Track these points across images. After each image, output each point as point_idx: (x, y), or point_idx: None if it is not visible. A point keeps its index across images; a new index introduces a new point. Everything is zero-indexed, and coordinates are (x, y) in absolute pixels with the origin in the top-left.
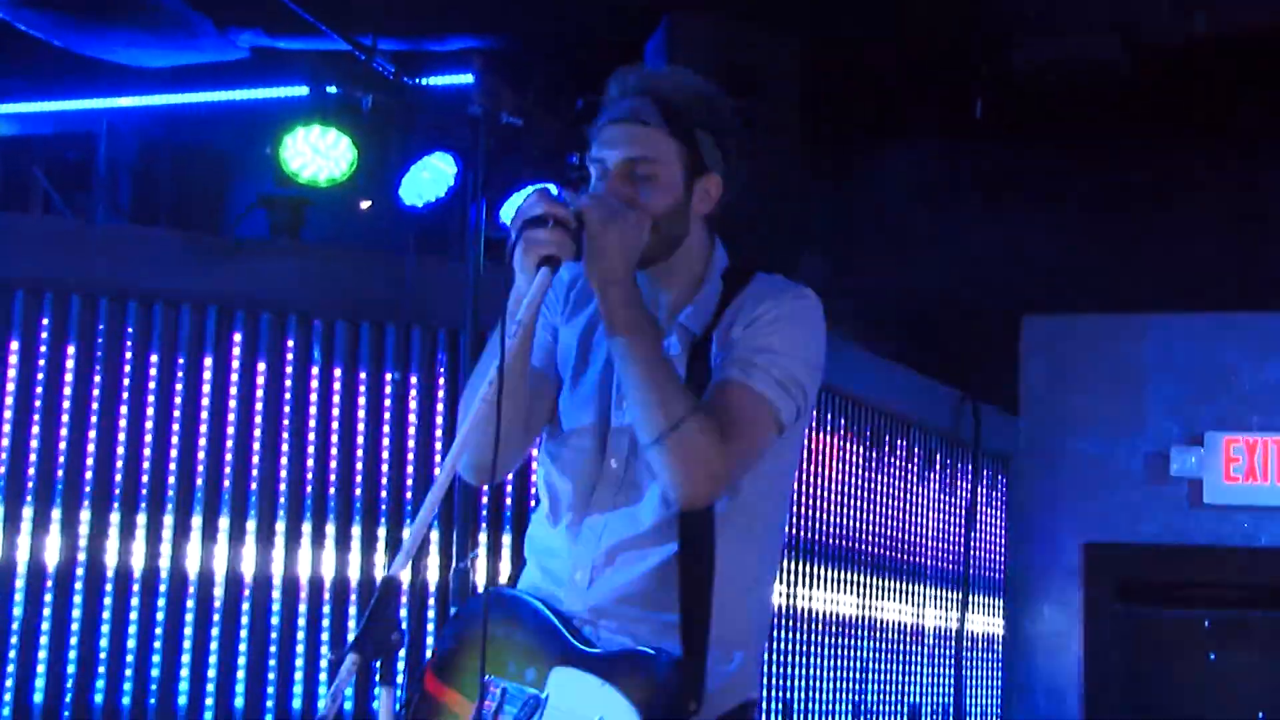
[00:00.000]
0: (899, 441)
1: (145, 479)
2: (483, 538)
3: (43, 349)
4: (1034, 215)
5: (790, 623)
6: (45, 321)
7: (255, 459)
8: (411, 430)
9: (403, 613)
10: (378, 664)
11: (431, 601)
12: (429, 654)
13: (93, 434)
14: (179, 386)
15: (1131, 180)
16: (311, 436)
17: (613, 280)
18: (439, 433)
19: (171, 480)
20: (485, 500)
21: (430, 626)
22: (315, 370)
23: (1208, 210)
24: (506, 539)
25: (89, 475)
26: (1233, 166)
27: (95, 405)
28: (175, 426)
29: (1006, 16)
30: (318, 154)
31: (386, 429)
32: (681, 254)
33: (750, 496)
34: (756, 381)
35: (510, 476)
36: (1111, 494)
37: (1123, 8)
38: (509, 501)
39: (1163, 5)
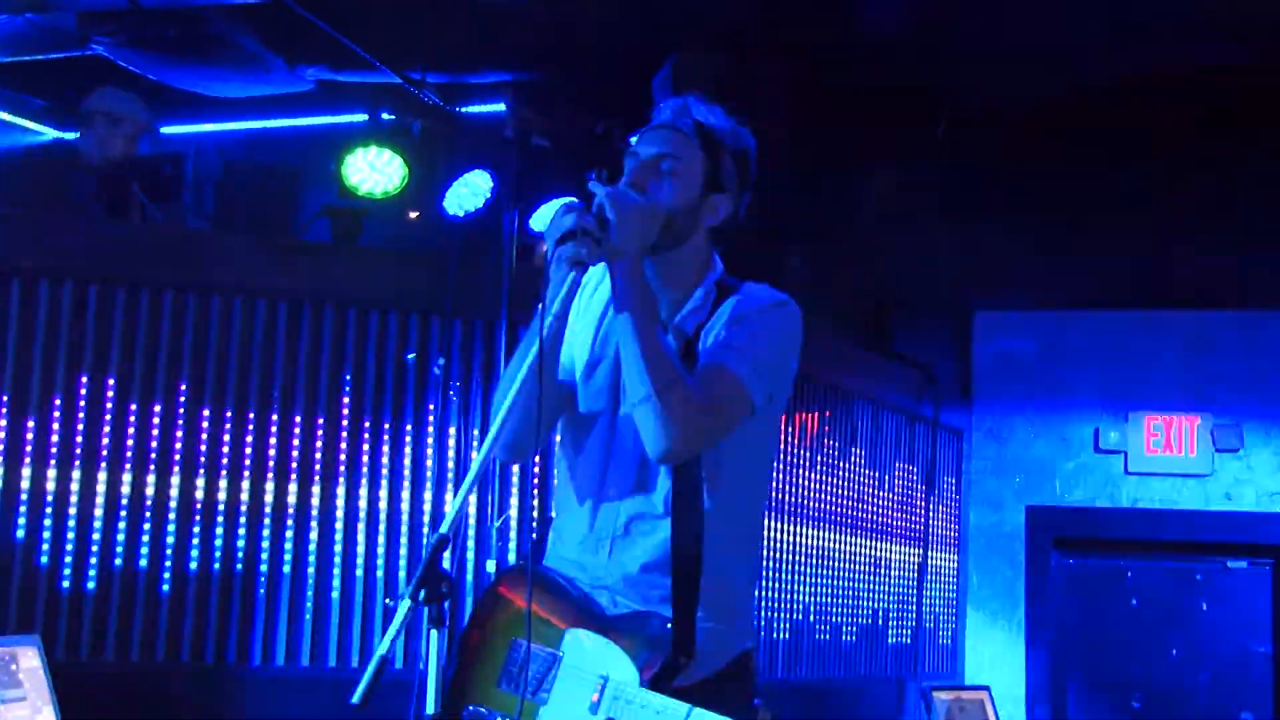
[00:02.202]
0: (867, 418)
1: (225, 449)
2: (513, 501)
3: (140, 338)
4: (986, 225)
5: (772, 575)
6: (143, 315)
7: (319, 431)
8: (453, 408)
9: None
10: (428, 608)
11: (470, 556)
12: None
13: (181, 410)
14: (256, 368)
15: (1069, 196)
16: (368, 412)
17: (623, 261)
18: (476, 411)
19: (248, 450)
20: (516, 470)
21: (469, 578)
22: (371, 357)
23: (1131, 223)
24: (536, 503)
25: (178, 445)
26: (1155, 185)
27: (184, 385)
28: (252, 400)
29: (961, 56)
30: (374, 170)
31: (432, 406)
32: (684, 260)
33: (732, 474)
34: (734, 364)
35: None
36: (1050, 464)
37: (1062, 47)
38: (535, 469)
39: (1096, 47)
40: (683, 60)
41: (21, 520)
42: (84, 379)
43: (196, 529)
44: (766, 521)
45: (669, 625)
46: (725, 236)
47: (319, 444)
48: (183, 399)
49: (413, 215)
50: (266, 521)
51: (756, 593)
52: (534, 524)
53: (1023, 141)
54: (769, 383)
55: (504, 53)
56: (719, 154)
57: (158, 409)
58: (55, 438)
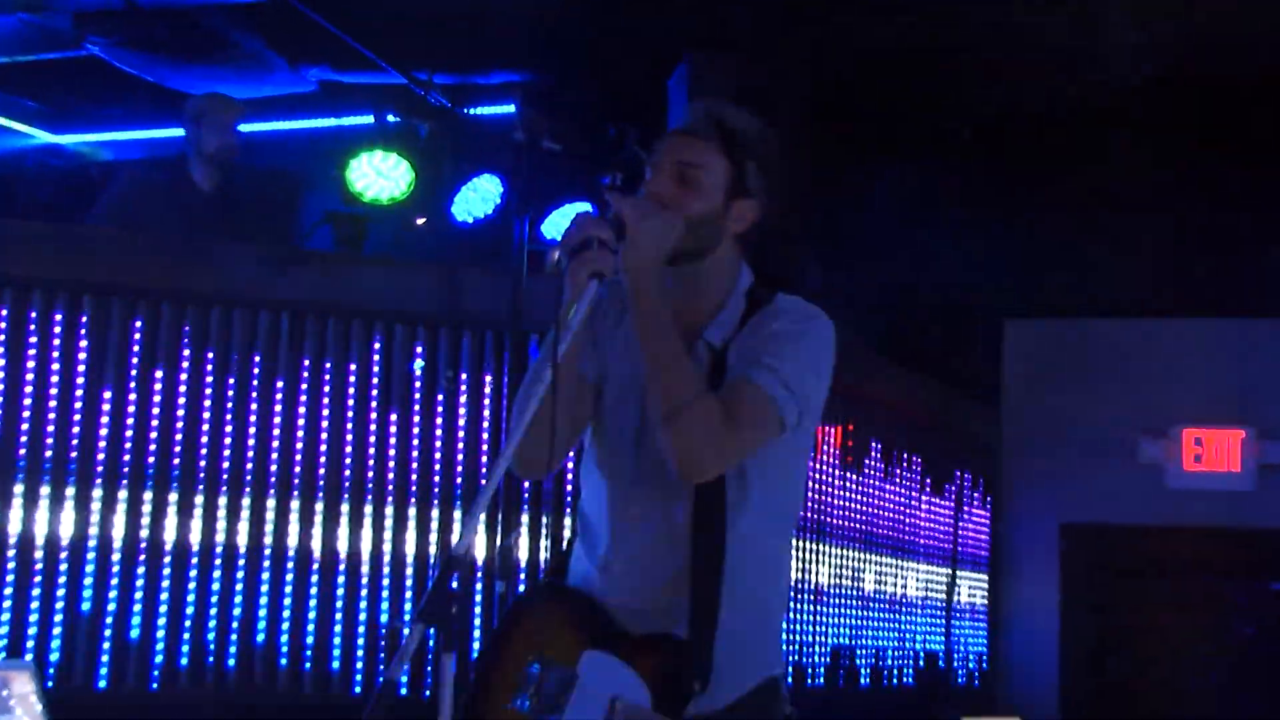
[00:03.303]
0: (892, 432)
1: (226, 465)
2: (525, 518)
3: (135, 348)
4: (1014, 228)
5: (799, 595)
6: (139, 324)
7: (323, 446)
8: (462, 422)
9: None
10: (435, 631)
11: (479, 574)
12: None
13: (180, 424)
14: (256, 383)
15: (1102, 197)
16: (373, 427)
17: (643, 271)
18: (486, 424)
19: (249, 465)
20: (527, 484)
21: (478, 598)
22: (376, 369)
23: (1170, 225)
24: (546, 520)
25: (176, 462)
26: (1195, 185)
27: (182, 400)
28: (252, 418)
29: (986, 52)
30: (379, 175)
31: (439, 420)
32: (710, 270)
33: (760, 496)
34: (763, 380)
35: None
36: (1086, 479)
37: (1093, 41)
38: (549, 488)
39: (1129, 41)
40: (698, 60)
41: (13, 541)
42: (79, 393)
43: (196, 550)
44: (797, 542)
45: (684, 649)
46: (752, 243)
47: (323, 458)
48: (181, 412)
49: (419, 222)
50: (268, 542)
51: (785, 616)
52: (551, 543)
53: (1052, 140)
54: (800, 401)
55: (514, 52)
56: (743, 158)
57: (155, 424)
58: (49, 453)
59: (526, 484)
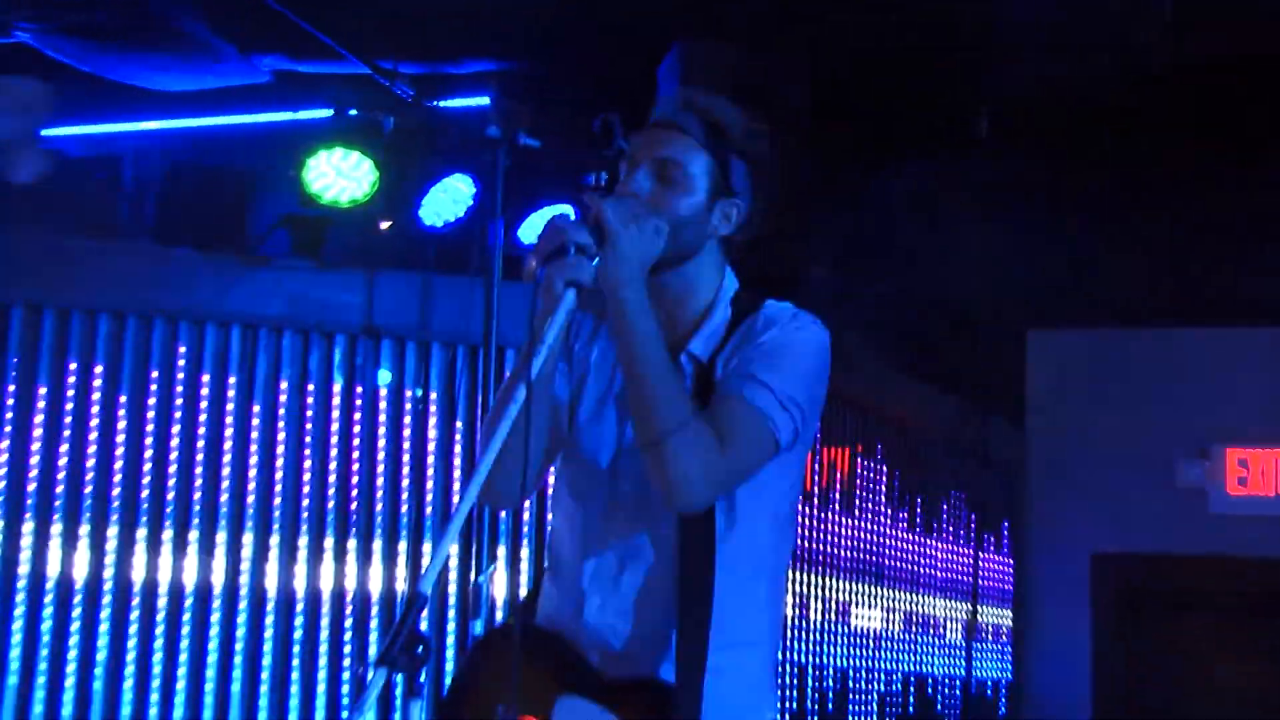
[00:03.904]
0: (904, 452)
1: (170, 495)
2: (501, 551)
3: (72, 366)
4: (1039, 230)
5: (796, 634)
6: (72, 341)
7: (278, 475)
8: (431, 446)
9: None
10: (401, 678)
11: (451, 614)
12: (449, 680)
13: (120, 451)
14: (203, 404)
15: (1134, 194)
16: (333, 453)
17: (625, 282)
18: (458, 448)
19: (197, 496)
20: (504, 516)
21: (449, 640)
22: (337, 387)
23: (1211, 225)
24: (525, 552)
25: (115, 492)
26: (1234, 183)
27: (122, 424)
28: (200, 444)
29: (1005, 39)
30: (340, 175)
31: (407, 445)
32: (694, 277)
33: (749, 522)
34: (755, 398)
35: None
36: (1120, 504)
37: (1123, 25)
38: (526, 515)
39: (1162, 24)
40: (691, 47)
41: None
42: (7, 414)
43: (137, 589)
44: (792, 574)
45: (670, 693)
46: (740, 246)
47: (278, 486)
48: (120, 436)
49: (384, 226)
50: (217, 580)
51: (779, 655)
52: (522, 577)
53: (1079, 135)
54: (795, 417)
55: (488, 39)
56: (727, 153)
57: (92, 450)
58: None
59: (503, 515)
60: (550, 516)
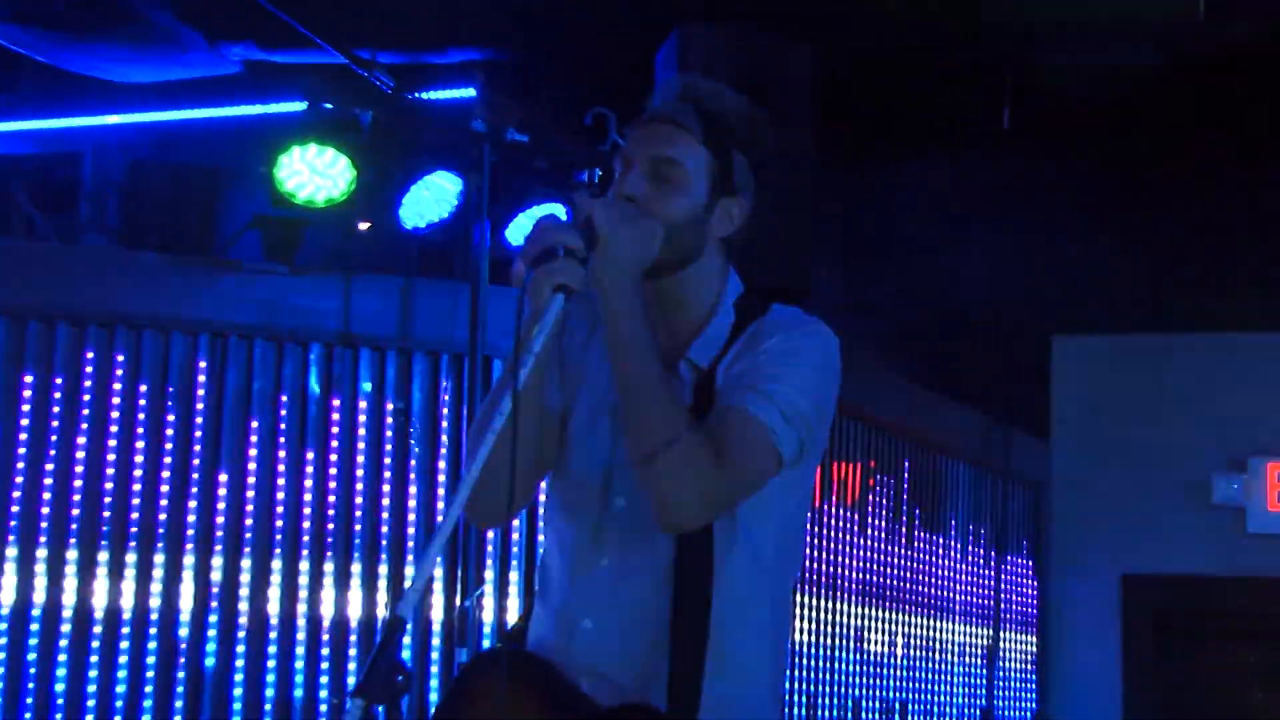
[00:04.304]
0: (921, 468)
1: (134, 516)
2: (489, 574)
3: (28, 379)
4: (1063, 227)
5: (805, 662)
6: (29, 351)
7: (249, 494)
8: (414, 462)
9: (405, 654)
10: (381, 709)
11: (436, 642)
12: (434, 711)
13: (80, 469)
14: (170, 417)
15: (1167, 191)
16: (309, 470)
17: (617, 288)
18: (442, 464)
19: (162, 517)
20: (491, 536)
21: (434, 669)
22: (312, 400)
23: (1250, 224)
24: (514, 575)
25: (75, 513)
26: (1273, 177)
27: (82, 440)
28: (167, 460)
29: (1031, 22)
30: (315, 173)
31: (388, 460)
32: (693, 281)
33: (752, 541)
34: (757, 409)
35: None
36: (1151, 522)
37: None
38: (516, 536)
39: (1197, 12)
40: (690, 34)
41: None
42: None
43: (99, 615)
44: (797, 597)
45: None
46: (740, 246)
47: (249, 505)
48: (81, 453)
49: (363, 227)
50: (185, 605)
51: (783, 684)
52: (511, 601)
53: (1106, 128)
54: (801, 431)
55: (473, 26)
56: (728, 147)
57: (50, 467)
58: None
59: (490, 534)
60: (541, 536)
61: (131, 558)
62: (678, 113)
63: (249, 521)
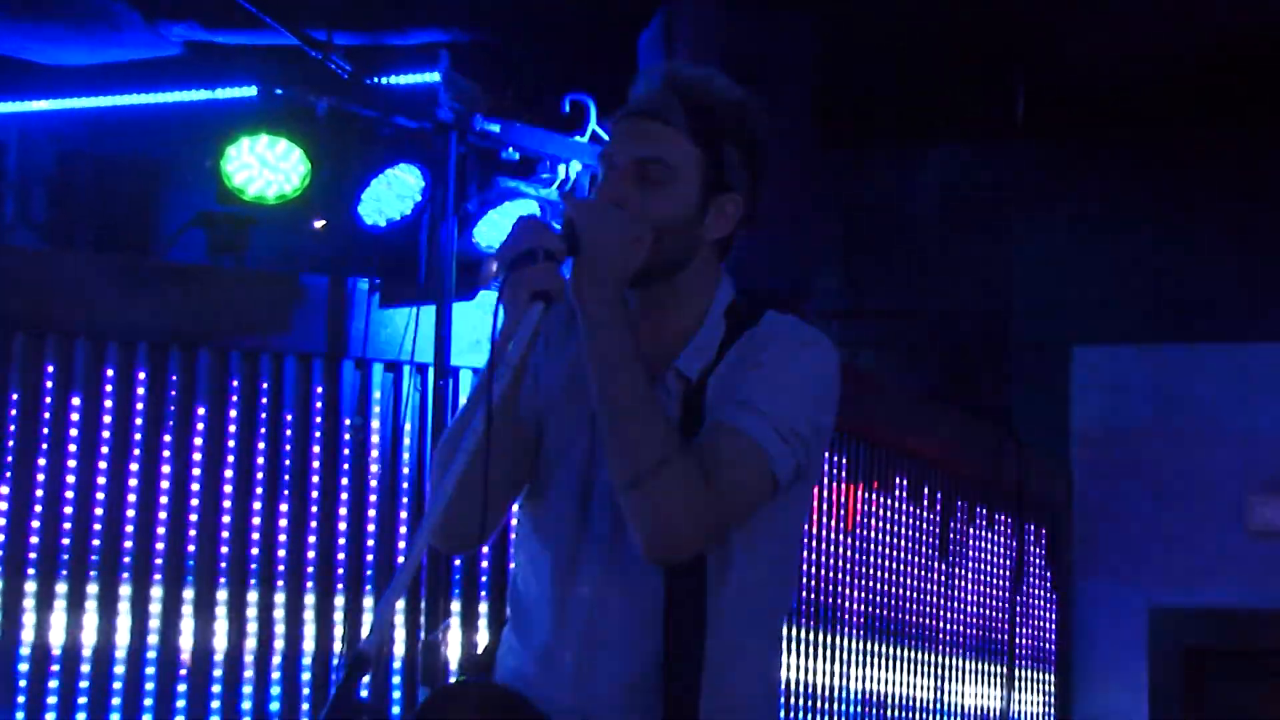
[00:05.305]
0: (929, 490)
1: (66, 541)
2: (455, 606)
3: None
4: (1084, 229)
5: (800, 701)
6: None
7: (192, 517)
8: (373, 484)
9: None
10: None
11: (397, 680)
12: None
13: (5, 489)
14: (106, 434)
15: (1198, 190)
16: (259, 490)
17: (599, 297)
18: (405, 485)
19: (96, 543)
20: (458, 563)
21: (396, 709)
22: (263, 415)
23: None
24: (483, 608)
25: (2, 538)
26: None
27: (10, 458)
28: (100, 480)
29: (1046, 6)
30: (265, 166)
31: (345, 481)
32: (684, 285)
33: (745, 569)
34: (752, 428)
35: None
36: (1182, 550)
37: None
38: (485, 565)
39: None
40: (678, 12)
41: None
42: None
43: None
44: (795, 629)
45: None
46: (736, 247)
47: (192, 531)
48: (9, 474)
49: (317, 225)
50: (121, 640)
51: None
52: (480, 635)
53: (1128, 117)
54: (797, 451)
55: (438, 4)
56: (720, 142)
57: None
58: None
59: (457, 561)
60: (512, 563)
61: (61, 588)
62: (662, 106)
63: (191, 548)
